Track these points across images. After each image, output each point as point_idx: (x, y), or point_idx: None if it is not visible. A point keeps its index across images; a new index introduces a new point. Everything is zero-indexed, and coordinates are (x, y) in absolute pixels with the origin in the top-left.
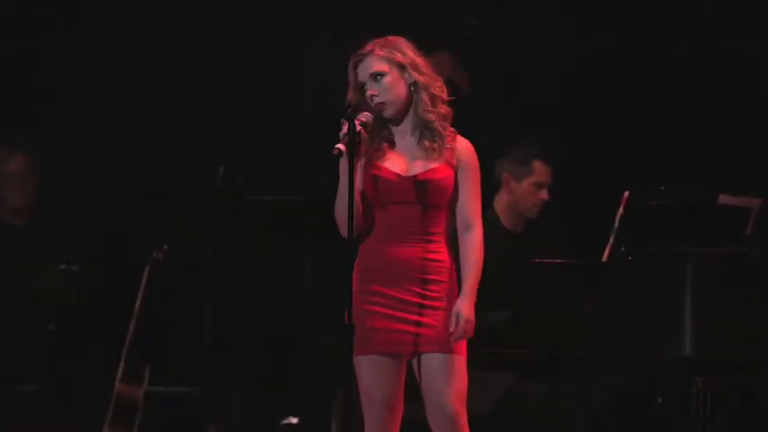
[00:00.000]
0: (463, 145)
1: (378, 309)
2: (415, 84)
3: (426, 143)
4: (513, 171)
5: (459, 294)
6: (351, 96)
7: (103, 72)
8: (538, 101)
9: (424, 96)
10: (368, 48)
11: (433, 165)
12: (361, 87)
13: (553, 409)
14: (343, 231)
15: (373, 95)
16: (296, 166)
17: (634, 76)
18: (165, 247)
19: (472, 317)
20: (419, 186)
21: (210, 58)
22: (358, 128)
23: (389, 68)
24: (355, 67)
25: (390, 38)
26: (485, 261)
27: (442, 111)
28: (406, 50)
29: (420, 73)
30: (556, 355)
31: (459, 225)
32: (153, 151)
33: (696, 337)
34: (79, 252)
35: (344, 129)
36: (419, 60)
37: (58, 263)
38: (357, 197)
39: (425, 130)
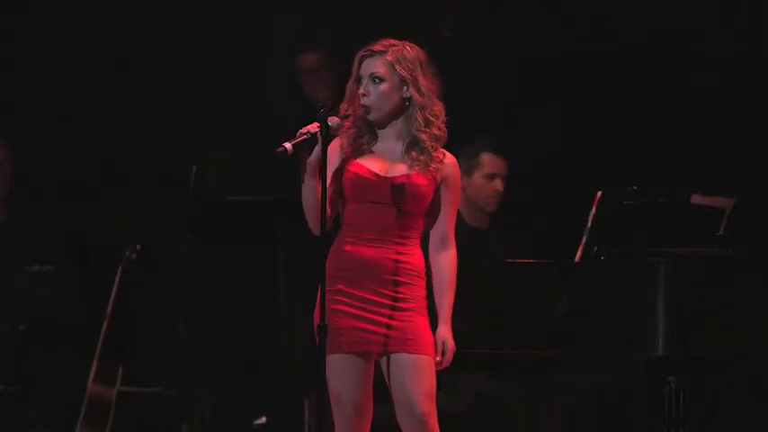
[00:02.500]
0: (450, 162)
1: (345, 308)
2: (410, 100)
3: (414, 154)
4: (463, 166)
5: (426, 298)
6: (349, 86)
7: (75, 67)
8: (511, 101)
9: (418, 116)
10: (380, 47)
11: (414, 172)
12: (359, 80)
13: (526, 410)
14: (313, 228)
15: (364, 95)
16: (269, 167)
17: (607, 77)
18: (138, 247)
19: (453, 344)
20: (396, 189)
21: (186, 53)
22: (317, 130)
23: (390, 77)
24: (361, 60)
25: (407, 45)
26: (475, 262)
27: (436, 133)
28: (415, 65)
29: (419, 92)
30: (528, 356)
31: (434, 240)
32: (126, 151)
33: (668, 337)
34: (53, 252)
35: (304, 129)
36: (422, 79)
37: (32, 263)
38: (319, 196)
39: (415, 145)
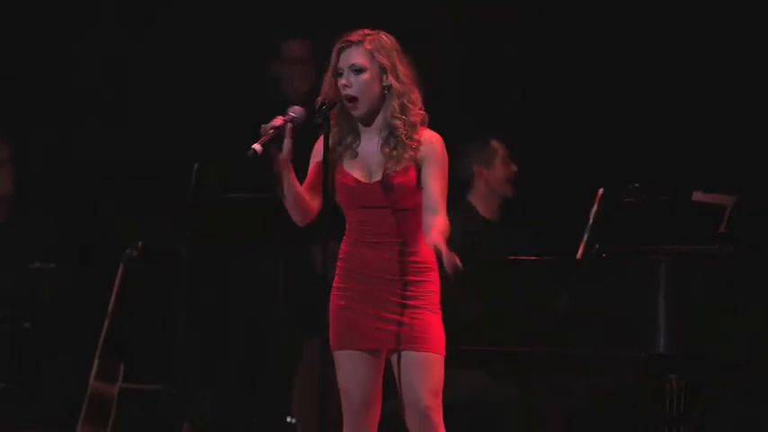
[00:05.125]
0: (427, 139)
1: (355, 305)
2: (389, 88)
3: (387, 149)
4: (482, 160)
5: (438, 293)
6: (327, 79)
7: (74, 66)
8: (512, 99)
9: (395, 103)
10: (356, 37)
11: (397, 168)
12: (338, 74)
13: (526, 409)
14: (297, 221)
15: (346, 86)
16: (271, 164)
17: (608, 74)
18: (140, 244)
19: (443, 242)
20: (385, 191)
21: (186, 53)
22: (285, 122)
23: (370, 66)
24: (339, 52)
25: (382, 34)
26: (464, 252)
27: (412, 119)
28: (392, 53)
29: (397, 79)
30: (528, 353)
31: (424, 212)
32: (127, 149)
33: (669, 336)
34: (54, 250)
35: (268, 125)
36: (401, 67)
37: (34, 261)
38: (299, 188)
39: (390, 137)
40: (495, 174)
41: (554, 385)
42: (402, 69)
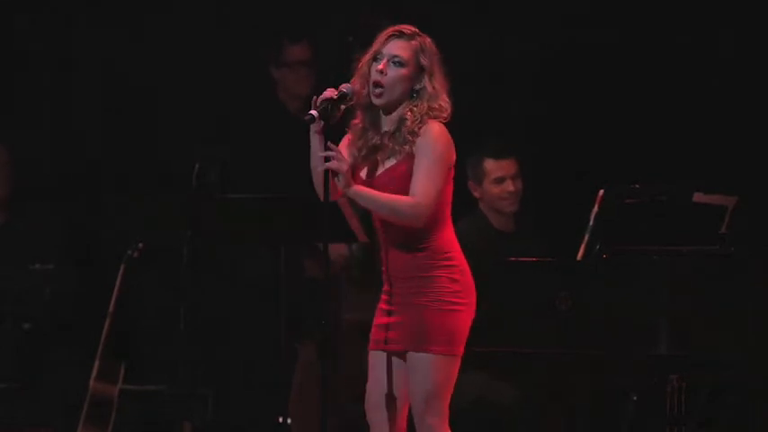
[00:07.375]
0: (422, 130)
1: (380, 305)
2: (419, 92)
3: (386, 141)
4: (473, 176)
5: (449, 290)
6: (366, 60)
7: (73, 67)
8: (512, 99)
9: (423, 105)
10: (408, 31)
11: (394, 161)
12: (377, 58)
13: (526, 410)
14: (318, 192)
15: (381, 72)
16: (272, 164)
17: (608, 75)
18: (141, 245)
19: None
20: (383, 185)
21: (186, 51)
22: (336, 94)
23: (412, 63)
24: (387, 38)
25: (428, 38)
26: (477, 261)
27: (424, 117)
28: (434, 58)
29: (431, 83)
30: (529, 354)
31: None
32: (127, 149)
33: (669, 336)
34: (54, 251)
35: (323, 96)
36: (438, 74)
37: (33, 262)
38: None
39: (397, 131)
40: (485, 192)
41: (554, 385)
42: (438, 76)
